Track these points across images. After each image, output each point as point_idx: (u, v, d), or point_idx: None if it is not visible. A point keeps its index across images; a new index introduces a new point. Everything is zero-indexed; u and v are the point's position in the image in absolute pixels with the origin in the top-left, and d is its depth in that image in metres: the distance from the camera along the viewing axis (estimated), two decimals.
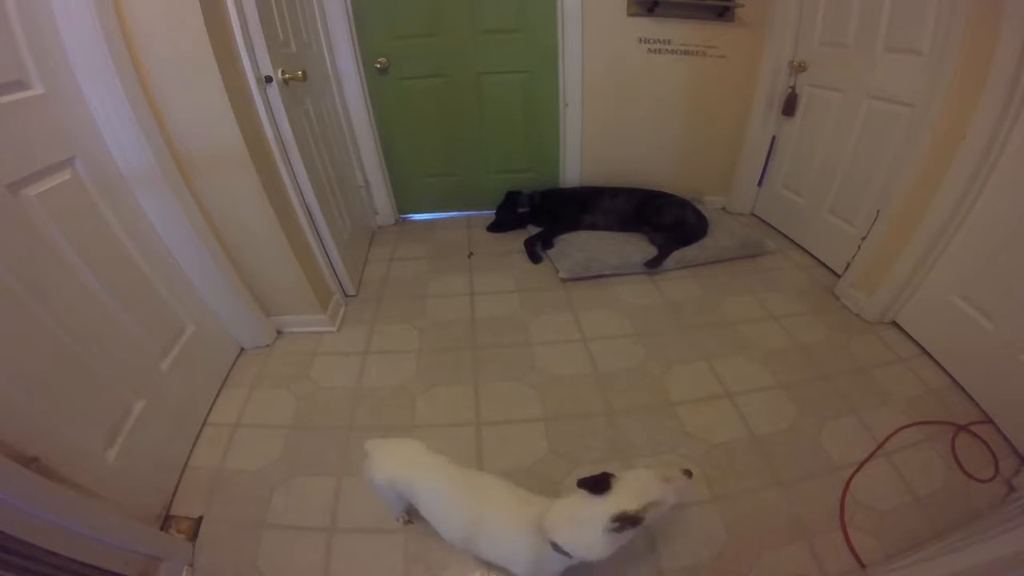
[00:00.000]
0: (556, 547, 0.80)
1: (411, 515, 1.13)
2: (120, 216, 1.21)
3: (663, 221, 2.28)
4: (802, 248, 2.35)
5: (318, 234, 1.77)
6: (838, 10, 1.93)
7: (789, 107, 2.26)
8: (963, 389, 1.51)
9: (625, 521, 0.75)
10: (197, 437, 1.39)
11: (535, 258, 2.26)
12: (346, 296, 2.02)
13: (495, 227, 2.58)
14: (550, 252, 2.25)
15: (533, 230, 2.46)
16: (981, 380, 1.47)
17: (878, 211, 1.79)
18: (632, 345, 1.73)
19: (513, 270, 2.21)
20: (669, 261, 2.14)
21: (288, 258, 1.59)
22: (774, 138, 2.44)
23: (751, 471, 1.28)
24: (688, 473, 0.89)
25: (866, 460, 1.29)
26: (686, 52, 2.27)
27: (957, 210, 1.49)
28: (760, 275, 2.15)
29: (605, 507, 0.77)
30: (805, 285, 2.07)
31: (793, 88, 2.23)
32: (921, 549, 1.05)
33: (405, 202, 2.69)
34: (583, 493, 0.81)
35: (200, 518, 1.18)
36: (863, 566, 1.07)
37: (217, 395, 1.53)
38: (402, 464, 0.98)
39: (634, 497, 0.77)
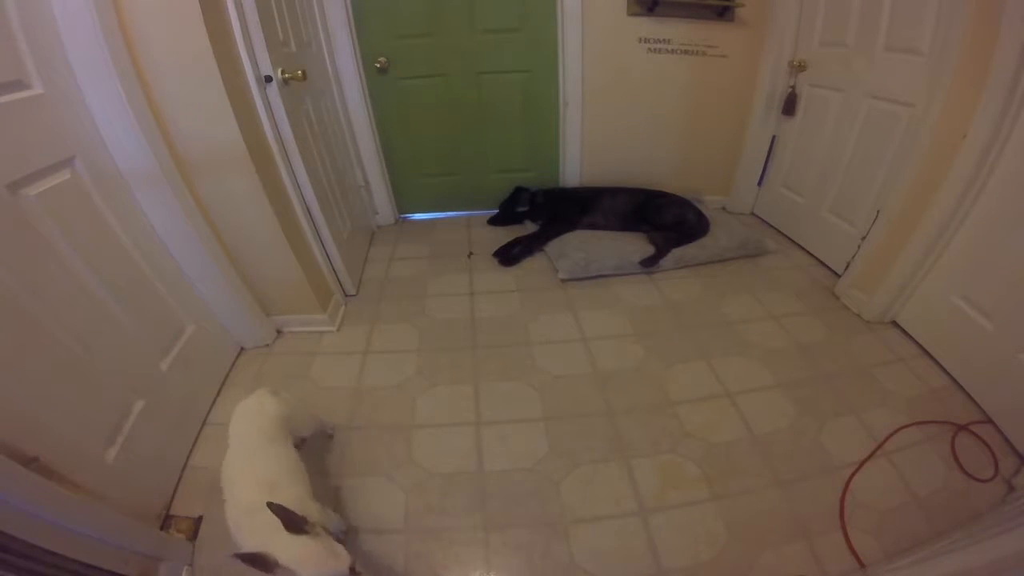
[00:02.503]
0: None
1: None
2: (120, 216, 1.21)
3: (663, 220, 2.28)
4: (802, 248, 2.35)
5: (318, 234, 1.77)
6: (838, 10, 1.93)
7: (789, 107, 2.26)
8: (963, 389, 1.51)
9: (249, 562, 0.74)
10: (197, 437, 1.38)
11: (507, 262, 2.24)
12: (346, 296, 2.02)
13: (495, 220, 2.62)
14: (550, 252, 2.25)
15: (531, 227, 2.48)
16: (981, 380, 1.47)
17: (878, 211, 1.79)
18: (632, 345, 1.72)
19: (513, 270, 2.21)
20: (668, 261, 2.14)
21: (288, 258, 1.59)
22: (774, 138, 2.44)
23: (751, 471, 1.28)
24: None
25: (866, 460, 1.29)
26: (686, 52, 2.27)
27: (957, 210, 1.49)
28: (760, 275, 2.15)
29: (269, 539, 0.78)
30: (805, 285, 2.07)
31: (793, 88, 2.23)
32: (921, 549, 1.05)
33: (405, 202, 2.69)
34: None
35: (200, 518, 1.18)
36: (863, 566, 1.07)
37: (217, 395, 1.53)
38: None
39: (292, 557, 0.75)
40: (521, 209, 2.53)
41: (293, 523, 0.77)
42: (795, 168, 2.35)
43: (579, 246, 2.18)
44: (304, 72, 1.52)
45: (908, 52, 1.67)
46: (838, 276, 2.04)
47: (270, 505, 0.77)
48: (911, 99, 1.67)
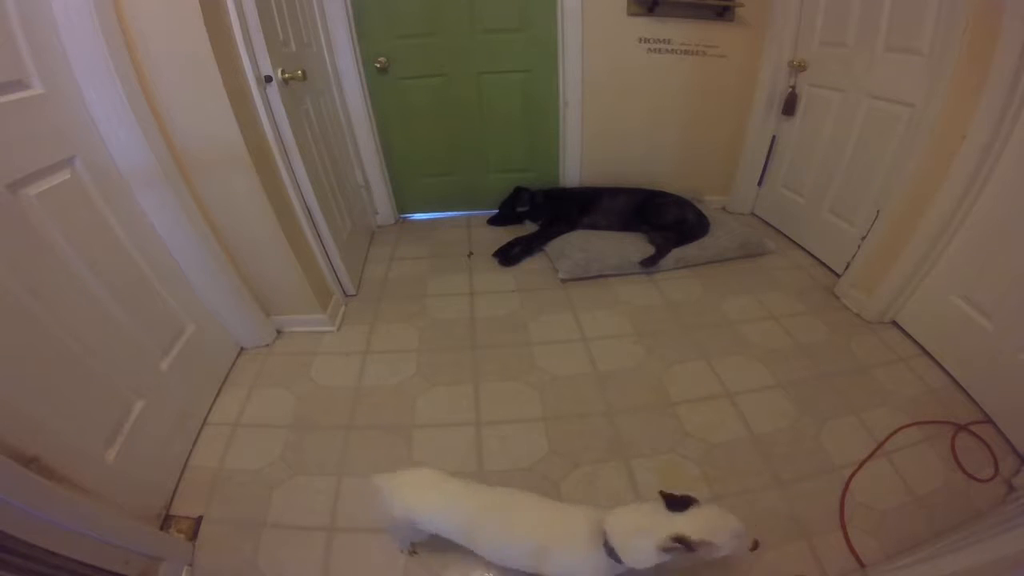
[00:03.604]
0: (610, 551, 0.82)
1: (415, 545, 1.10)
2: (120, 216, 1.21)
3: (663, 220, 2.28)
4: (802, 248, 2.35)
5: (318, 234, 1.77)
6: (838, 10, 1.93)
7: (789, 107, 2.26)
8: (963, 389, 1.51)
9: (681, 544, 0.76)
10: (197, 437, 1.39)
11: (507, 262, 2.24)
12: (346, 296, 2.02)
13: (495, 220, 2.62)
14: (550, 252, 2.25)
15: (531, 227, 2.48)
16: (981, 380, 1.47)
17: (878, 211, 1.79)
18: (632, 345, 1.72)
19: (513, 270, 2.21)
20: (669, 260, 2.14)
21: (288, 258, 1.59)
22: (774, 138, 2.44)
23: (751, 471, 1.28)
24: (755, 545, 0.85)
25: (866, 460, 1.29)
26: (686, 52, 2.27)
27: (957, 210, 1.49)
28: (760, 275, 2.15)
29: (671, 525, 0.79)
30: (805, 285, 2.07)
31: (793, 88, 2.23)
32: (921, 549, 1.05)
33: (405, 202, 2.69)
34: (654, 505, 0.83)
35: (200, 518, 1.18)
36: (863, 566, 1.07)
37: (217, 395, 1.53)
38: (425, 495, 0.94)
39: (700, 529, 0.78)
40: (521, 209, 2.53)
41: (680, 502, 0.81)
42: (795, 168, 2.35)
43: (579, 246, 2.17)
44: (304, 72, 1.53)
45: (908, 52, 1.67)
46: (838, 276, 2.04)
47: (661, 493, 0.83)
48: (911, 99, 1.67)
